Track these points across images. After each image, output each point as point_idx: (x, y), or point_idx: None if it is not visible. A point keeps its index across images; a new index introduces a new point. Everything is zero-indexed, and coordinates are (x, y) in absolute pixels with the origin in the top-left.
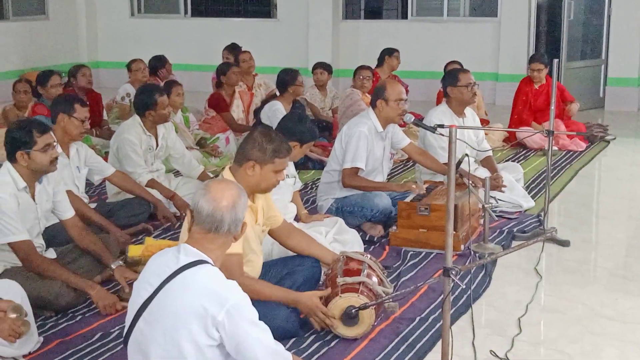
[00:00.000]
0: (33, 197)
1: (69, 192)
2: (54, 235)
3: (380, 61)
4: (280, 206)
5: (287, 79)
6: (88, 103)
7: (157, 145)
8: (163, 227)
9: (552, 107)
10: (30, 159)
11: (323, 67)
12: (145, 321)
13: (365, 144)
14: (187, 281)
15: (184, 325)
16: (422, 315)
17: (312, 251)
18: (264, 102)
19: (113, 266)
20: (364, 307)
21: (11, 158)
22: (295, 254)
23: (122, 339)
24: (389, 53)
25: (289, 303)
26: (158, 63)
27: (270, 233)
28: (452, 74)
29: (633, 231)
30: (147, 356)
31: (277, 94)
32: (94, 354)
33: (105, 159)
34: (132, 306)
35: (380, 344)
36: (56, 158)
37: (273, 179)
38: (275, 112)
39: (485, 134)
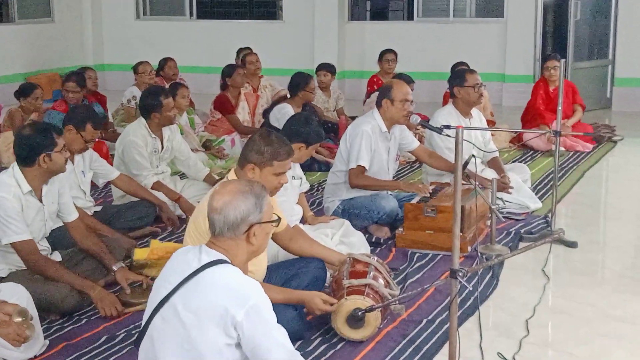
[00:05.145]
0: (40, 199)
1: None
2: (60, 238)
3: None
4: (286, 208)
5: (299, 82)
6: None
7: (162, 147)
8: (169, 230)
9: (560, 108)
10: (51, 161)
11: (326, 68)
12: (163, 318)
13: (369, 143)
14: (208, 280)
15: (204, 324)
16: (429, 318)
17: (316, 252)
18: (274, 104)
19: (115, 268)
20: (370, 309)
21: (28, 162)
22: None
23: (127, 342)
24: (379, 57)
25: (293, 302)
26: (162, 63)
27: (273, 237)
28: (459, 75)
29: None
30: (160, 354)
31: (288, 96)
32: (100, 357)
33: (111, 162)
34: (151, 303)
35: (387, 346)
36: (67, 158)
37: (274, 182)
38: (285, 115)
39: (492, 134)
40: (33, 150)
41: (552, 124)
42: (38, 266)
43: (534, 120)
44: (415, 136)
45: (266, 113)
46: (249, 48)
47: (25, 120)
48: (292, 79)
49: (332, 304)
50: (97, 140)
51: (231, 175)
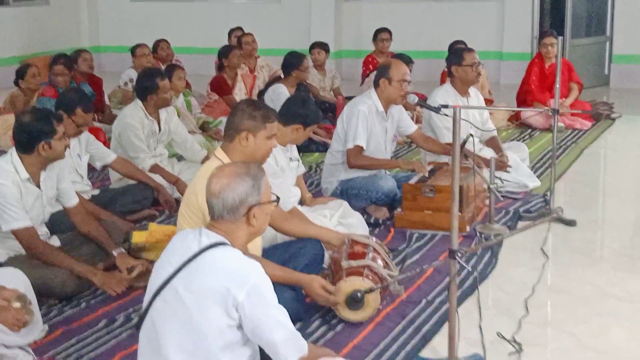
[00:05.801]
0: (38, 185)
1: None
2: (58, 221)
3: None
4: (283, 190)
5: (292, 62)
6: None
7: (159, 129)
8: (167, 213)
9: (557, 86)
10: (51, 149)
11: (321, 46)
12: (164, 300)
13: (365, 123)
14: (208, 262)
15: (205, 305)
16: (429, 298)
17: (312, 232)
18: (268, 85)
19: (115, 253)
20: (370, 290)
21: (27, 149)
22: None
23: (127, 326)
24: (374, 36)
25: (292, 283)
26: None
27: None
28: (457, 53)
29: None
30: (161, 336)
31: (282, 76)
32: (99, 341)
33: (108, 145)
34: (151, 286)
35: (387, 327)
36: (68, 145)
37: (267, 147)
38: (279, 95)
39: (490, 113)
40: (33, 137)
41: (546, 102)
42: (39, 253)
43: (527, 98)
44: (413, 116)
45: (261, 94)
46: (240, 28)
47: (27, 103)
48: (285, 59)
49: (330, 293)
50: (94, 127)
51: (218, 153)
